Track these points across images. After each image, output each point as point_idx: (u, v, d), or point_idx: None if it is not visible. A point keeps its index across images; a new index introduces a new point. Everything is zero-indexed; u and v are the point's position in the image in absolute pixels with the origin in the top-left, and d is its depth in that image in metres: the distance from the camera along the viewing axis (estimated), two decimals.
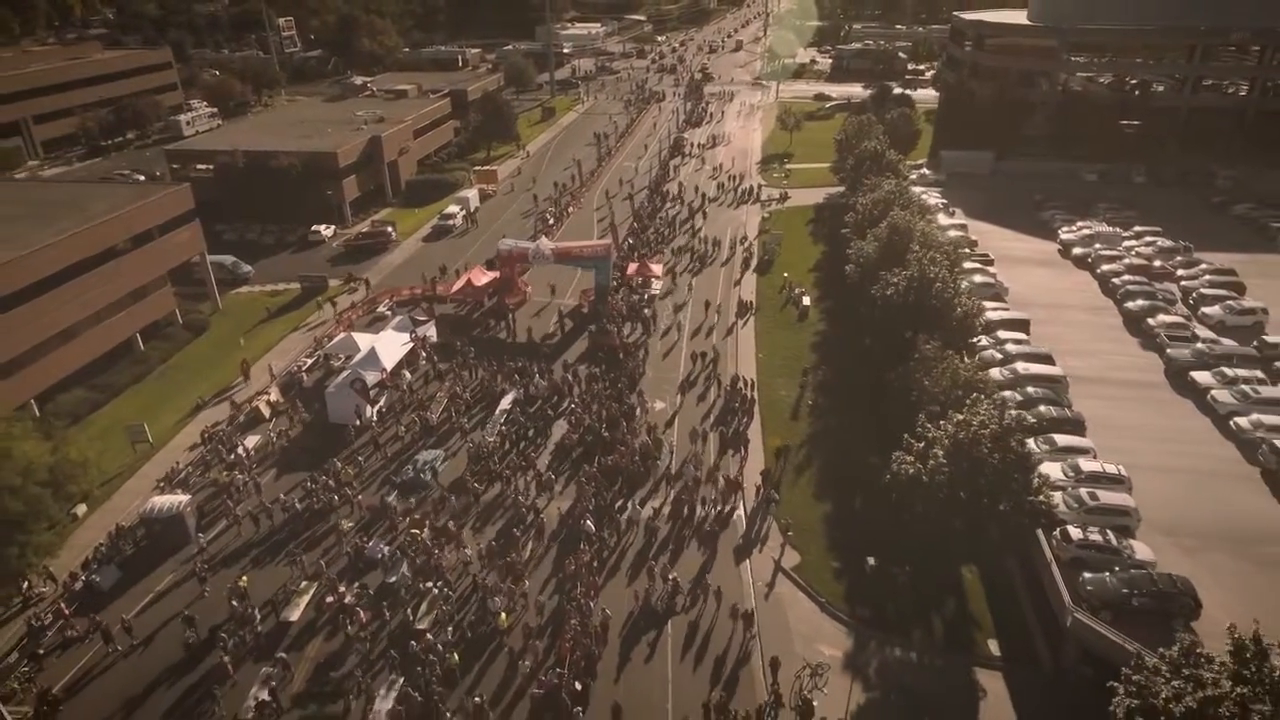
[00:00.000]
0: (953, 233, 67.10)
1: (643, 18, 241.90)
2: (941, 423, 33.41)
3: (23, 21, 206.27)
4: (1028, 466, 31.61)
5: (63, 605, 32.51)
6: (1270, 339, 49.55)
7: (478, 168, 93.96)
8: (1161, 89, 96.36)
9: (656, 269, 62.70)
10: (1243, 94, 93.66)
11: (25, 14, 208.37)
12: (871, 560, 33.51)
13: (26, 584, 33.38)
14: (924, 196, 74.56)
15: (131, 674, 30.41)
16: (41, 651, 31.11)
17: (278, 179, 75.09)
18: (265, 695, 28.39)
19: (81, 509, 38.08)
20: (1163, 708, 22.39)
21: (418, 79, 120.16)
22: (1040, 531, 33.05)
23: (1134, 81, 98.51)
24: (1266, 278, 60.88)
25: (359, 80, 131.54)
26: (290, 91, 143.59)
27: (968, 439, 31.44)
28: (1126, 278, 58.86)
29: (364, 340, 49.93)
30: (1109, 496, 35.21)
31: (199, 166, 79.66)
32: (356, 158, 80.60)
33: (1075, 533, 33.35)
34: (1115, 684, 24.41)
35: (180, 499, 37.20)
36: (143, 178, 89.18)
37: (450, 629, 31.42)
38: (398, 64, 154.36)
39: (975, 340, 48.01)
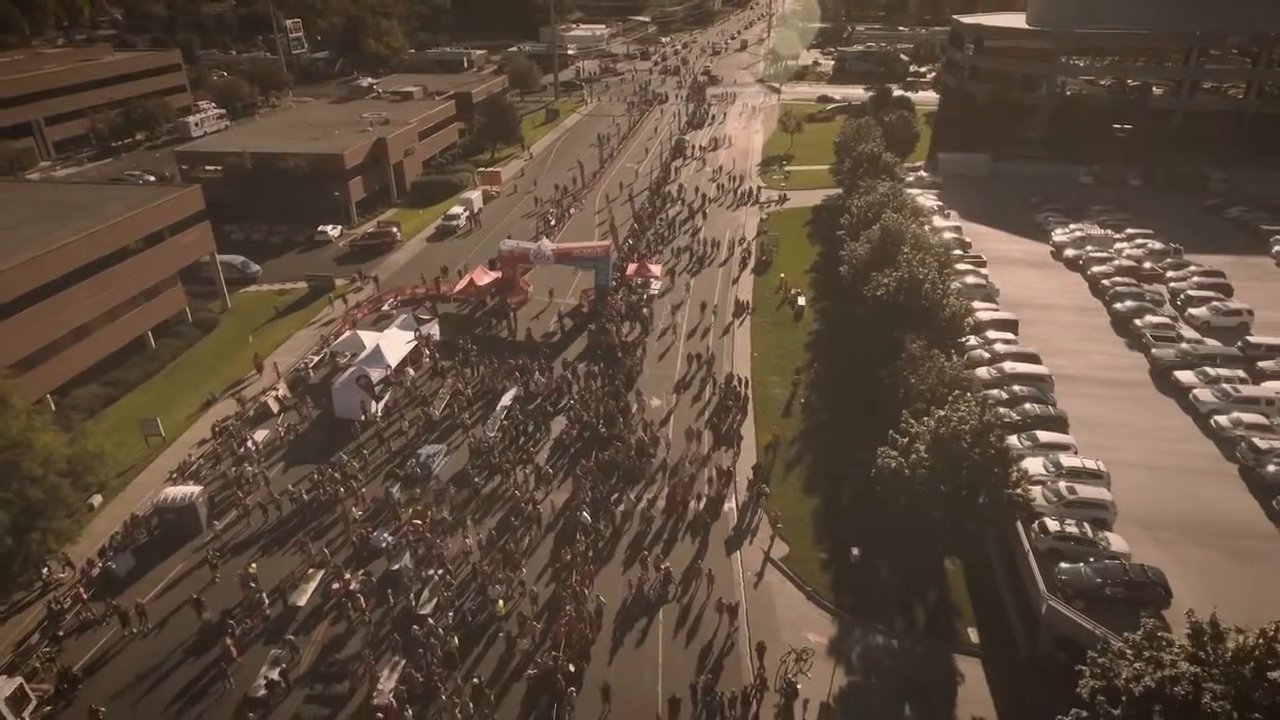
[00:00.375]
0: (947, 234, 68.24)
1: (647, 19, 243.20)
2: (925, 419, 34.69)
3: (32, 22, 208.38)
4: (1006, 461, 32.80)
5: (81, 590, 34.02)
6: (1254, 339, 50.67)
7: (481, 169, 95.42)
8: (1161, 91, 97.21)
9: (655, 269, 63.96)
10: (1240, 97, 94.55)
11: (34, 14, 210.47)
12: (856, 551, 34.80)
13: (46, 570, 34.82)
14: (920, 199, 75.90)
15: (147, 655, 31.84)
16: (61, 633, 32.60)
17: (285, 180, 76.65)
18: (275, 675, 29.79)
19: (97, 499, 39.46)
20: (1123, 688, 23.61)
21: (423, 81, 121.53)
22: (1019, 523, 34.34)
23: (1135, 84, 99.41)
24: (1255, 279, 62.11)
25: (365, 82, 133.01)
26: (297, 93, 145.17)
27: (948, 434, 32.70)
28: (1116, 279, 59.93)
29: (369, 338, 51.36)
30: (1087, 490, 36.43)
31: (208, 168, 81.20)
32: (362, 159, 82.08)
33: (1052, 525, 34.61)
34: (1082, 667, 25.63)
35: (192, 489, 38.68)
36: (153, 178, 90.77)
37: (451, 614, 32.81)
38: (404, 65, 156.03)
39: (964, 340, 49.32)
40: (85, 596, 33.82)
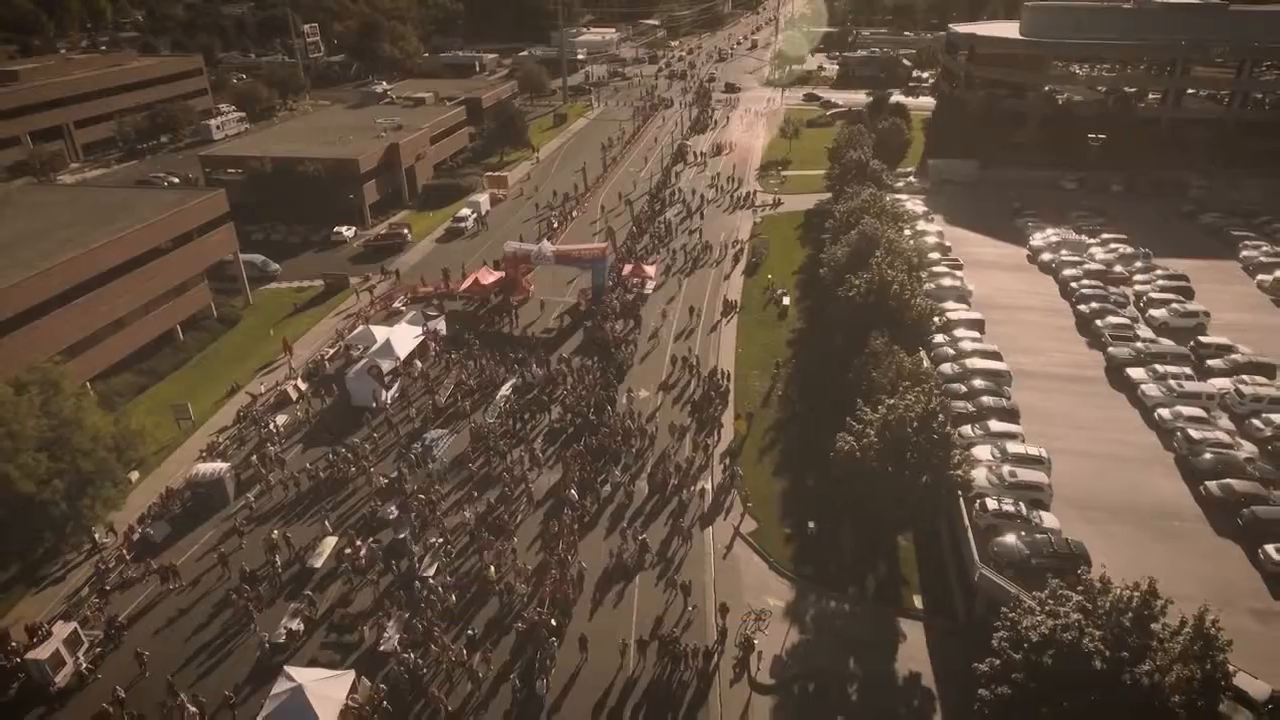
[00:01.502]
0: (930, 239, 71.79)
1: (656, 23, 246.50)
2: (879, 407, 38.39)
3: (56, 24, 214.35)
4: (948, 445, 36.47)
5: (123, 552, 38.45)
6: (1205, 339, 54.01)
7: (489, 173, 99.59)
8: (1155, 96, 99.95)
9: (650, 270, 67.83)
10: (1224, 106, 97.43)
11: (59, 17, 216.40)
12: (811, 525, 38.57)
13: (97, 534, 39.23)
14: (907, 204, 79.38)
15: (182, 608, 36.18)
16: (107, 588, 36.99)
17: (303, 183, 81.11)
18: (294, 625, 33.99)
19: (135, 475, 43.79)
20: (1024, 635, 27.38)
21: (436, 86, 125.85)
22: (962, 502, 38.04)
23: (1133, 90, 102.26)
24: (1219, 283, 65.32)
25: (380, 88, 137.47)
26: (314, 96, 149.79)
27: (896, 421, 36.43)
28: (1084, 282, 63.18)
29: (380, 332, 55.54)
30: (1026, 474, 40.08)
31: (230, 170, 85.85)
32: (376, 163, 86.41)
33: (991, 503, 38.27)
34: (997, 622, 29.37)
35: (221, 466, 43.07)
36: (177, 180, 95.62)
37: (449, 576, 36.93)
38: (417, 69, 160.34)
39: (931, 337, 52.94)
40: (127, 558, 38.26)
